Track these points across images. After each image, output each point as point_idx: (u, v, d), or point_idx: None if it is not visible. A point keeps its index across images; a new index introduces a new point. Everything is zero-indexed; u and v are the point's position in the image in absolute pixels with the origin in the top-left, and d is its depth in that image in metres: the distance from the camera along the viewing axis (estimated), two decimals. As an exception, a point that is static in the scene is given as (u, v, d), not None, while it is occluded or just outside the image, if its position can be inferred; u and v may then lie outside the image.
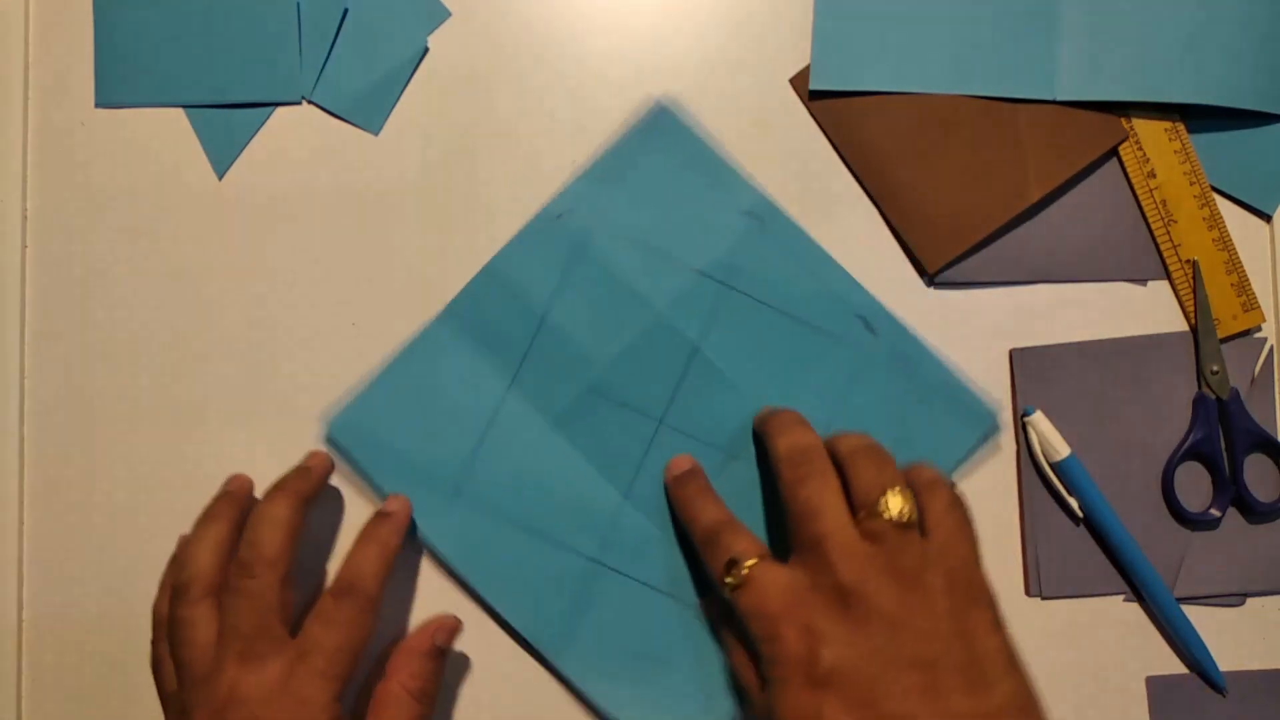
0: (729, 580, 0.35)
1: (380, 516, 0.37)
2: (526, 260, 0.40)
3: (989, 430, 0.41)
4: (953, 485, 0.36)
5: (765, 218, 0.41)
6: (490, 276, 0.40)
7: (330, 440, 0.40)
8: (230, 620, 0.34)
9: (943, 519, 0.34)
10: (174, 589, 0.36)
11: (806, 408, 0.39)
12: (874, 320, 0.40)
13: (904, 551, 0.33)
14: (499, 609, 0.39)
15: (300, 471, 0.38)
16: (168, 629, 0.36)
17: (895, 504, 0.34)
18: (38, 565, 0.41)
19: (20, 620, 0.40)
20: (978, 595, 0.34)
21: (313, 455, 0.39)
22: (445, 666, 0.38)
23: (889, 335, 0.40)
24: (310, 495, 0.37)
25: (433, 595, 0.40)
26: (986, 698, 0.31)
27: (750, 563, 0.34)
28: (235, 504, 0.38)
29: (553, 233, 0.40)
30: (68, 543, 0.41)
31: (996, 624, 0.33)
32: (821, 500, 0.34)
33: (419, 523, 0.39)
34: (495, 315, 0.40)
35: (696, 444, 0.40)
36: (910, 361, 0.40)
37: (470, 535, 0.39)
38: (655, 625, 0.39)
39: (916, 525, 0.34)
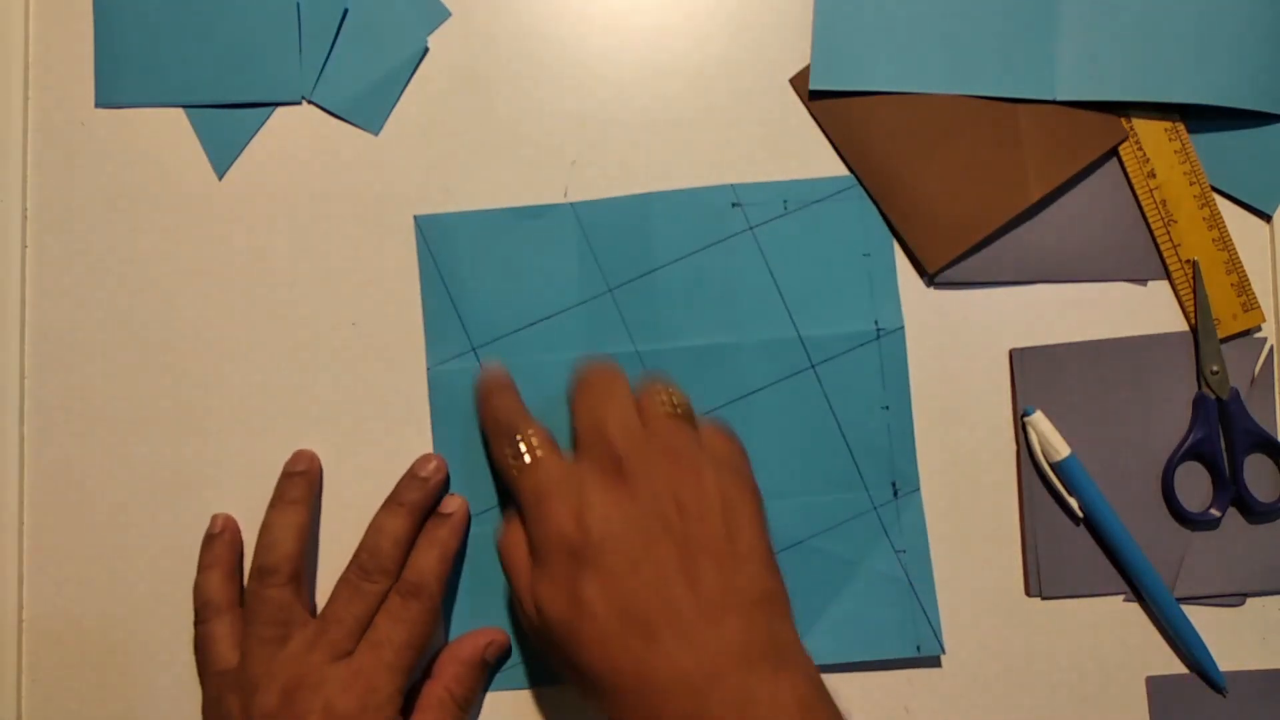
0: (513, 462, 0.35)
1: (439, 518, 0.39)
2: (461, 436, 0.40)
3: (855, 195, 0.41)
4: (730, 430, 0.37)
5: (570, 217, 0.41)
6: (448, 458, 0.40)
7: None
8: (338, 611, 0.37)
9: (716, 430, 0.37)
10: (259, 570, 0.37)
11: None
12: (737, 198, 0.41)
13: (678, 434, 0.35)
14: None
15: (417, 483, 0.39)
16: (248, 605, 0.38)
17: (673, 395, 0.36)
18: (38, 565, 0.41)
19: (20, 620, 0.40)
20: (745, 484, 0.35)
21: (426, 462, 0.39)
22: (489, 679, 0.39)
23: (755, 198, 0.41)
24: (425, 506, 0.39)
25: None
26: (736, 579, 0.33)
27: (536, 444, 0.36)
28: (310, 485, 0.39)
29: (458, 399, 0.40)
30: (68, 543, 0.41)
31: (758, 516, 0.35)
32: (611, 399, 0.35)
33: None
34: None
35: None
36: (787, 199, 0.41)
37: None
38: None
39: (691, 421, 0.36)
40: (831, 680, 0.33)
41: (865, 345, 0.40)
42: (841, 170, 0.41)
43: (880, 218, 0.41)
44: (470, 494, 0.40)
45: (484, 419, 0.39)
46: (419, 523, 0.39)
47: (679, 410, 0.36)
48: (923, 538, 0.40)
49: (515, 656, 0.40)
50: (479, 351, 0.40)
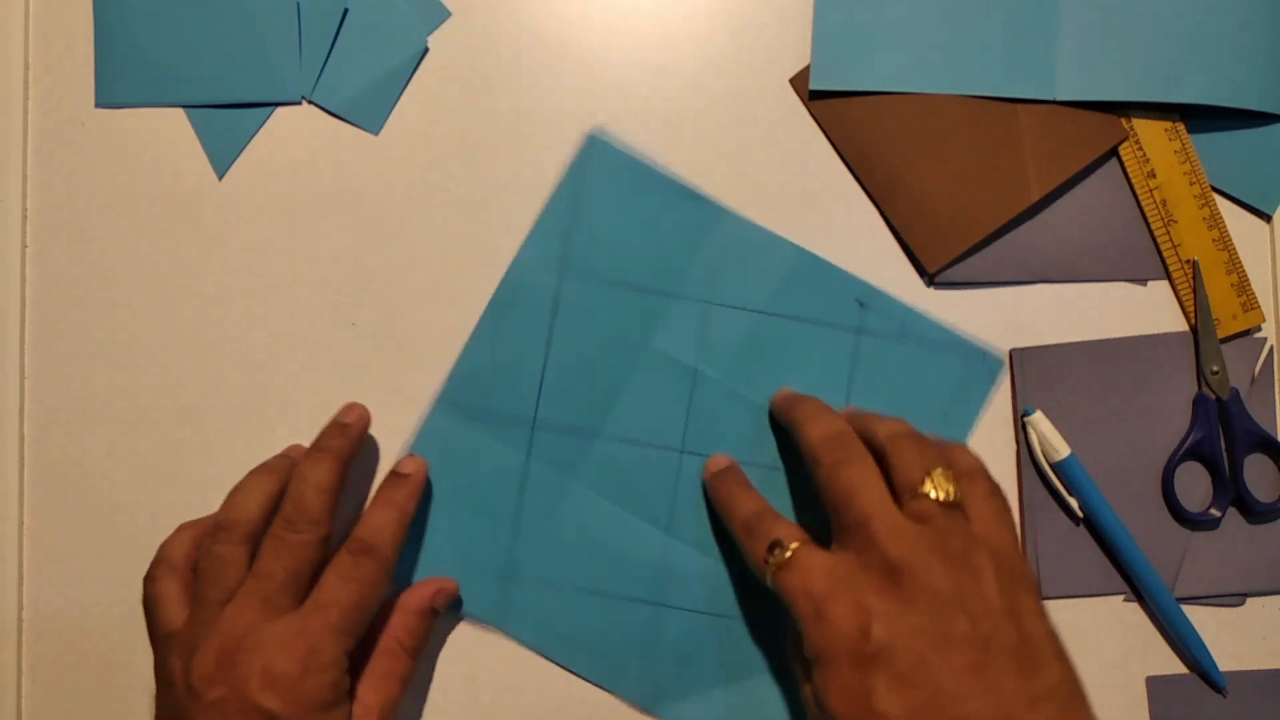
0: (771, 561, 0.34)
1: (396, 477, 0.38)
2: (503, 334, 0.40)
3: (996, 375, 0.41)
4: (989, 475, 0.35)
5: (719, 223, 0.41)
6: (472, 357, 0.40)
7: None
8: (265, 566, 0.35)
9: (984, 505, 0.34)
10: (216, 525, 0.36)
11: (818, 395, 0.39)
12: (864, 298, 0.41)
13: (952, 532, 0.33)
14: (594, 679, 0.40)
15: (340, 429, 0.38)
16: (199, 563, 0.36)
17: (941, 484, 0.33)
18: (38, 565, 0.41)
19: (20, 620, 0.40)
20: (1024, 579, 0.33)
21: (350, 409, 0.39)
22: (434, 626, 0.39)
23: (879, 308, 0.41)
24: (350, 454, 0.38)
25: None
26: (1036, 680, 0.31)
27: (794, 545, 0.34)
28: (290, 465, 0.38)
29: (521, 299, 0.40)
30: (68, 543, 0.41)
31: (1042, 610, 0.33)
32: (862, 481, 0.34)
33: (481, 612, 0.40)
34: (489, 394, 0.40)
35: None
36: (907, 327, 0.40)
37: (538, 614, 0.40)
38: (728, 650, 0.39)
39: (961, 507, 0.34)
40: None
41: None
42: (842, 170, 0.41)
43: (976, 395, 0.41)
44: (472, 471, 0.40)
45: (725, 513, 0.38)
46: (344, 471, 0.37)
47: (950, 499, 0.33)
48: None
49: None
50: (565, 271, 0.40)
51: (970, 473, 0.35)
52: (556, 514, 0.40)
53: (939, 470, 0.34)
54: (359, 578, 0.35)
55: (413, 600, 0.38)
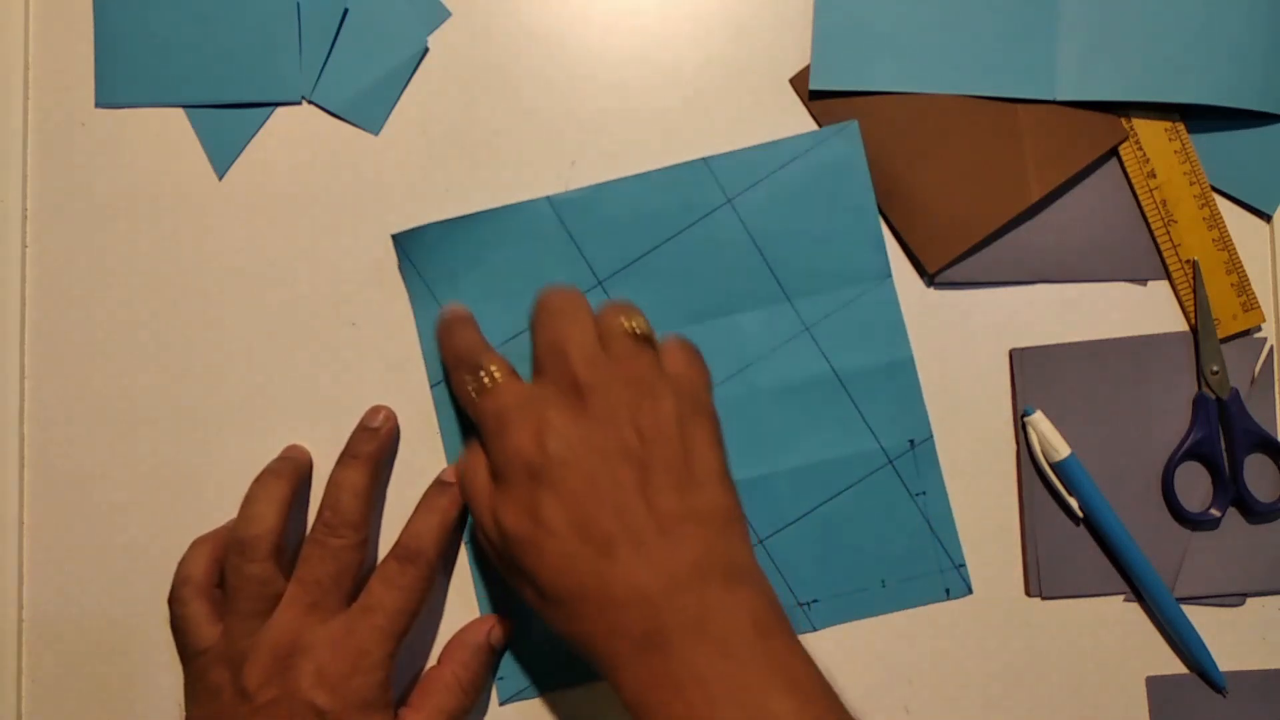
0: (472, 387, 0.36)
1: (440, 485, 0.39)
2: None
3: (855, 136, 0.40)
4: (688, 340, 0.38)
5: (560, 210, 0.40)
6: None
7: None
8: (309, 572, 0.36)
9: (676, 350, 0.37)
10: (240, 542, 0.37)
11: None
12: (712, 167, 0.40)
13: (638, 359, 0.35)
14: None
15: (369, 433, 0.39)
16: (228, 581, 0.37)
17: (633, 320, 0.36)
18: (38, 565, 0.41)
19: (20, 620, 0.40)
20: (704, 410, 0.35)
21: (375, 412, 0.39)
22: (495, 663, 0.39)
23: (727, 167, 0.40)
24: (381, 456, 0.39)
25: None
26: (693, 499, 0.33)
27: (497, 373, 0.36)
28: (295, 467, 0.39)
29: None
30: (68, 543, 0.41)
31: (716, 440, 0.35)
32: (572, 323, 0.35)
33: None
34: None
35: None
36: (759, 166, 0.40)
37: None
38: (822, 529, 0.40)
39: (652, 345, 0.36)
40: (830, 680, 0.33)
41: (856, 300, 0.40)
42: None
43: (858, 168, 0.40)
44: None
45: (445, 353, 0.39)
46: (377, 474, 0.39)
47: (639, 333, 0.35)
48: (939, 482, 0.40)
49: (516, 668, 0.40)
50: None
51: (676, 342, 0.37)
52: None
53: (636, 316, 0.36)
54: (404, 584, 0.36)
55: (470, 635, 0.39)
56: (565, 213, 0.40)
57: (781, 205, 0.40)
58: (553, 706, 0.40)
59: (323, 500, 0.38)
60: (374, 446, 0.39)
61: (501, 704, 0.40)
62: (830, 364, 0.40)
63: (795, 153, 0.40)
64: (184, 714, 0.37)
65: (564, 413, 0.34)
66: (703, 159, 0.40)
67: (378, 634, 0.35)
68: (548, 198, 0.40)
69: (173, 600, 0.38)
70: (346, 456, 0.38)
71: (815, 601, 0.40)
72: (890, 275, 0.41)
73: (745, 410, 0.40)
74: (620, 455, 0.33)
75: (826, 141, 0.40)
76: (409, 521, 0.38)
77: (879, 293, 0.40)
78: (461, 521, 0.39)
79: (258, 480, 0.38)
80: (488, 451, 0.35)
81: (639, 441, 0.33)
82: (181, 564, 0.38)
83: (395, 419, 0.40)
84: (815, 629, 0.40)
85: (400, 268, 0.41)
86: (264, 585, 0.36)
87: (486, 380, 0.36)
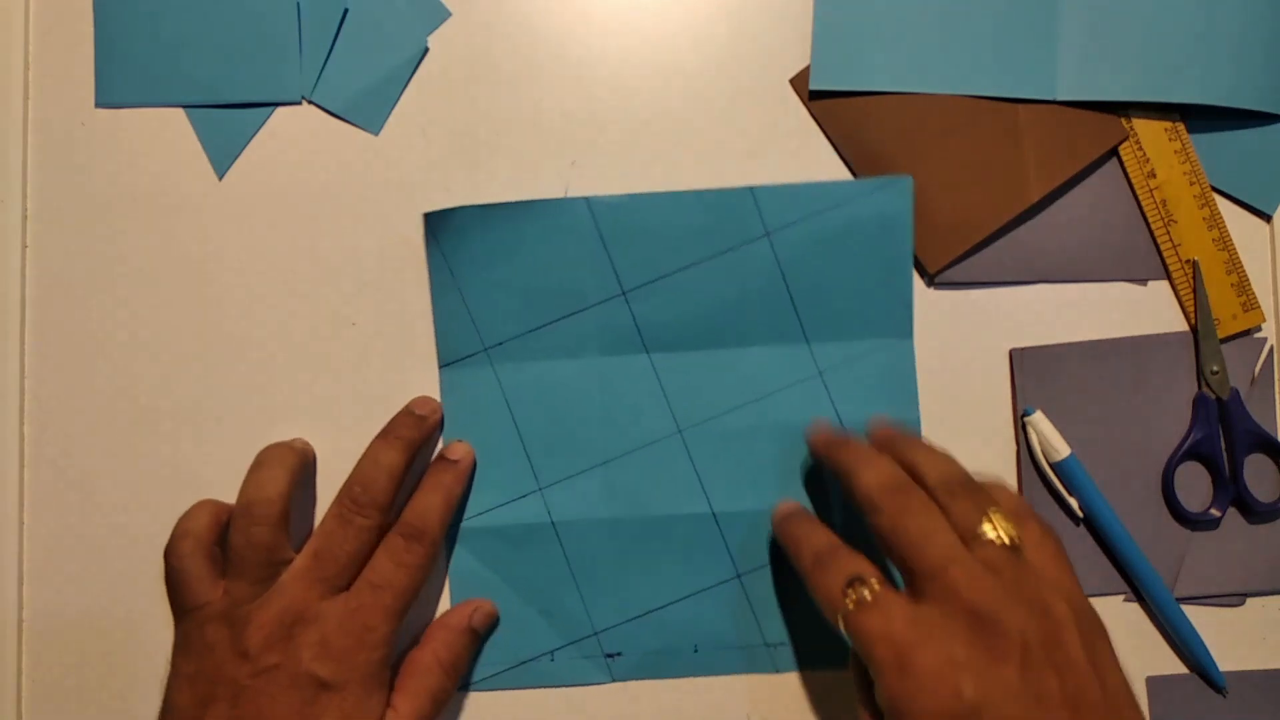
0: (850, 596, 0.32)
1: (444, 462, 0.39)
2: (471, 435, 0.40)
3: (907, 191, 0.40)
4: (1036, 514, 0.35)
5: (594, 212, 0.40)
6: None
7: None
8: (328, 548, 0.36)
9: (1041, 549, 0.33)
10: (249, 504, 0.36)
11: (754, 327, 0.40)
12: (757, 200, 0.40)
13: (1025, 578, 0.31)
14: (719, 670, 0.40)
15: (414, 420, 0.39)
16: (233, 541, 0.36)
17: (1003, 528, 0.32)
18: (38, 565, 0.41)
19: (20, 620, 0.40)
20: (1099, 629, 0.32)
21: (424, 401, 0.40)
22: (476, 646, 0.39)
23: (772, 202, 0.40)
24: (420, 445, 0.39)
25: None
26: None
27: (876, 584, 0.32)
28: (302, 447, 0.39)
29: (469, 400, 0.40)
30: (68, 543, 0.41)
31: (1117, 661, 0.32)
32: (934, 529, 0.32)
33: (591, 676, 0.40)
34: (485, 494, 0.40)
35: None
36: (804, 203, 0.40)
37: (640, 647, 0.40)
38: None
39: (1021, 551, 0.32)
40: (829, 680, 0.33)
41: (873, 354, 0.40)
42: (842, 170, 0.41)
43: (903, 224, 0.40)
44: (480, 494, 0.40)
45: (796, 547, 0.36)
46: (412, 460, 0.38)
47: (1014, 543, 0.32)
48: None
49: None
50: (490, 353, 0.40)
51: (1019, 515, 0.34)
52: (605, 546, 0.40)
53: (995, 514, 0.33)
54: (411, 563, 0.36)
55: (452, 618, 0.39)
56: (601, 215, 0.40)
57: (819, 247, 0.40)
58: (551, 703, 0.40)
59: (353, 474, 0.37)
60: (417, 433, 0.39)
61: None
62: (837, 412, 0.40)
63: (844, 198, 0.40)
64: (171, 668, 0.36)
65: (969, 648, 0.30)
66: (749, 188, 0.40)
67: (383, 611, 0.36)
68: (586, 198, 0.40)
69: (171, 553, 0.37)
70: (390, 436, 0.38)
71: (781, 644, 0.40)
72: (911, 336, 0.40)
73: (744, 444, 0.40)
74: (1045, 700, 0.29)
75: (877, 192, 0.40)
76: (413, 499, 0.38)
77: (898, 350, 0.40)
78: (463, 500, 0.39)
79: (268, 448, 0.38)
80: (874, 673, 0.31)
81: (1058, 682, 0.30)
82: (183, 518, 0.38)
83: (441, 412, 0.40)
84: (795, 669, 0.40)
85: (425, 246, 0.40)
86: (271, 552, 0.36)
87: (868, 594, 0.32)
